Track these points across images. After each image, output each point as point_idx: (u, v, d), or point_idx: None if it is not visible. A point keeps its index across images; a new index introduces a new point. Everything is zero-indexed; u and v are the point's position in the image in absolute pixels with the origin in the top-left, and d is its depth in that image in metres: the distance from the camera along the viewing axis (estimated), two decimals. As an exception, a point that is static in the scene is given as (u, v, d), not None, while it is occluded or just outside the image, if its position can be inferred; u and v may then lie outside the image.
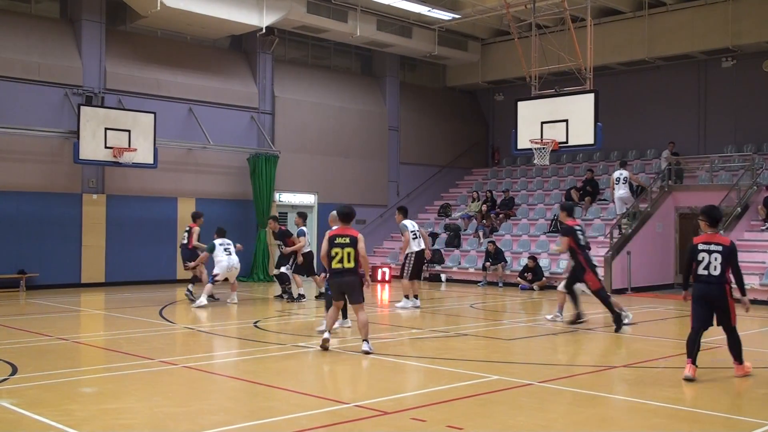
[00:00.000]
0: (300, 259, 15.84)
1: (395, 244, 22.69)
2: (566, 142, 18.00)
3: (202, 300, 14.94)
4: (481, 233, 23.32)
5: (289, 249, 16.00)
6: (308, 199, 23.67)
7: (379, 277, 22.05)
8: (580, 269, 12.60)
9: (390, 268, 22.36)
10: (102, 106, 19.21)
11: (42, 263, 18.52)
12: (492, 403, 7.24)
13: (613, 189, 21.24)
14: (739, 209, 19.45)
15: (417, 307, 15.18)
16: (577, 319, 12.88)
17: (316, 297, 16.52)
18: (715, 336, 11.36)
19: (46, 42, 19.20)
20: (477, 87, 28.75)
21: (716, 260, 8.30)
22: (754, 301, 16.83)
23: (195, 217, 16.88)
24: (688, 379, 8.32)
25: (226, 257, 15.42)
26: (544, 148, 18.10)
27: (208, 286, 15.32)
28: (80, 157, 18.31)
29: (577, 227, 12.79)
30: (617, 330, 12.21)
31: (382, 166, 25.88)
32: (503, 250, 21.53)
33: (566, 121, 17.89)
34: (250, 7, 20.74)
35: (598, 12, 23.22)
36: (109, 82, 19.84)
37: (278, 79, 23.37)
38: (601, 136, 17.60)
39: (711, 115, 24.03)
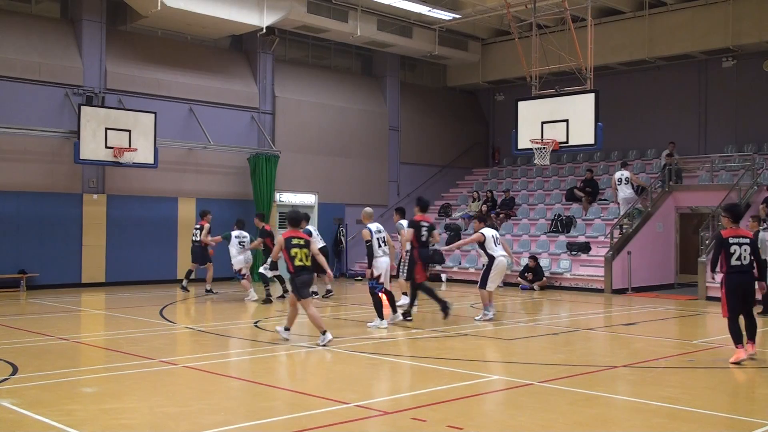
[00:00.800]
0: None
1: (395, 244, 22.64)
2: (567, 142, 17.99)
3: (252, 295, 16.31)
4: (481, 233, 23.28)
5: (253, 246, 16.55)
6: (309, 199, 23.66)
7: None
8: (412, 262, 13.11)
9: (390, 267, 22.30)
10: (102, 106, 19.21)
11: (42, 263, 18.52)
12: (492, 403, 7.24)
13: (616, 190, 21.24)
14: (739, 209, 19.42)
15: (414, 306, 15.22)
16: (407, 312, 13.22)
17: (323, 296, 16.56)
18: (715, 336, 11.37)
19: (46, 42, 19.20)
20: (477, 87, 28.74)
21: (746, 251, 9.36)
22: (757, 302, 16.82)
23: (203, 214, 17.87)
24: (739, 363, 9.24)
25: (241, 251, 16.46)
26: (544, 148, 18.10)
27: (244, 282, 16.44)
28: (81, 157, 18.31)
29: (425, 224, 13.19)
30: (445, 317, 12.79)
31: (382, 166, 25.88)
32: (503, 250, 21.50)
33: (567, 121, 17.88)
34: (251, 7, 20.74)
35: (599, 12, 23.22)
36: (109, 82, 19.84)
37: (279, 79, 23.37)
38: (601, 136, 17.60)
39: (711, 114, 24.02)
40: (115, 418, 6.60)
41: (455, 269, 22.54)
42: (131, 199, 20.08)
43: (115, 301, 16.35)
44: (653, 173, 22.82)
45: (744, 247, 9.36)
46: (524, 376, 8.39)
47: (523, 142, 18.64)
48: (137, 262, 20.01)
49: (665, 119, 24.61)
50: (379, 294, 12.39)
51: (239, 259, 16.46)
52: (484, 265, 13.69)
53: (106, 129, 18.55)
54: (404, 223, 15.44)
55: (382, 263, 12.52)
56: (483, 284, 13.44)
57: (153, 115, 19.38)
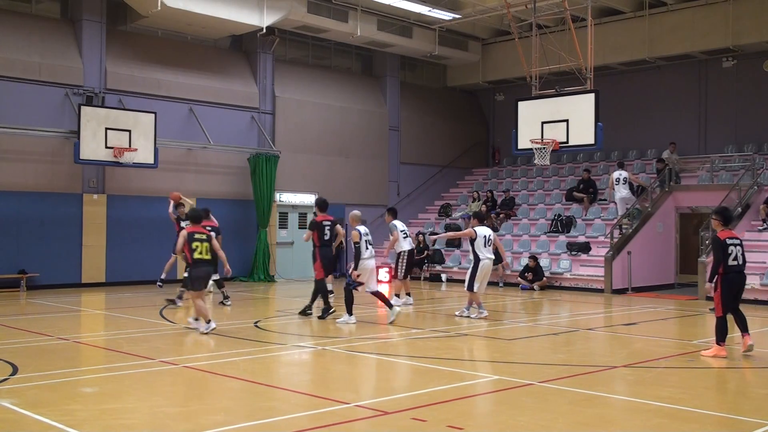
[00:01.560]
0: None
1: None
2: (567, 142, 17.99)
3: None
4: (481, 233, 23.28)
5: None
6: (309, 199, 23.64)
7: (379, 277, 22.04)
8: (314, 260, 13.50)
9: (390, 267, 22.33)
10: (102, 106, 19.21)
11: (42, 263, 18.52)
12: (492, 403, 7.24)
13: (613, 190, 21.24)
14: (739, 209, 19.44)
15: (410, 305, 15.32)
16: (316, 309, 13.61)
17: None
18: (714, 336, 11.35)
19: (46, 42, 19.20)
20: (477, 87, 28.74)
21: (740, 252, 9.85)
22: (755, 302, 16.86)
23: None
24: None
25: None
26: (544, 148, 18.10)
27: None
28: (81, 157, 18.31)
29: (327, 223, 13.47)
30: (320, 318, 13.17)
31: (382, 166, 25.88)
32: (504, 250, 21.52)
33: (567, 121, 17.88)
34: (251, 7, 20.74)
35: (599, 12, 23.22)
36: (109, 82, 19.85)
37: (279, 79, 23.37)
38: (601, 136, 17.60)
39: (711, 114, 24.02)
40: (116, 418, 6.60)
41: (455, 269, 22.54)
42: (131, 199, 20.08)
43: (115, 302, 16.35)
44: (653, 173, 22.82)
45: (738, 247, 9.82)
46: (524, 376, 8.39)
47: (523, 142, 18.64)
48: (137, 262, 20.00)
49: (665, 119, 24.60)
50: (354, 290, 12.82)
51: None
52: (470, 265, 13.79)
53: (106, 129, 18.56)
54: (397, 224, 15.63)
55: (368, 265, 12.77)
56: (470, 286, 13.59)
57: (153, 115, 19.38)
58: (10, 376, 8.23)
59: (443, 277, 22.57)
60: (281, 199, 22.95)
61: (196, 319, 11.72)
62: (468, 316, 13.64)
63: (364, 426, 6.43)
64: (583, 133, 17.66)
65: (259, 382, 8.14)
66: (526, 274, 20.19)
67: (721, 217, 10.05)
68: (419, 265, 23.09)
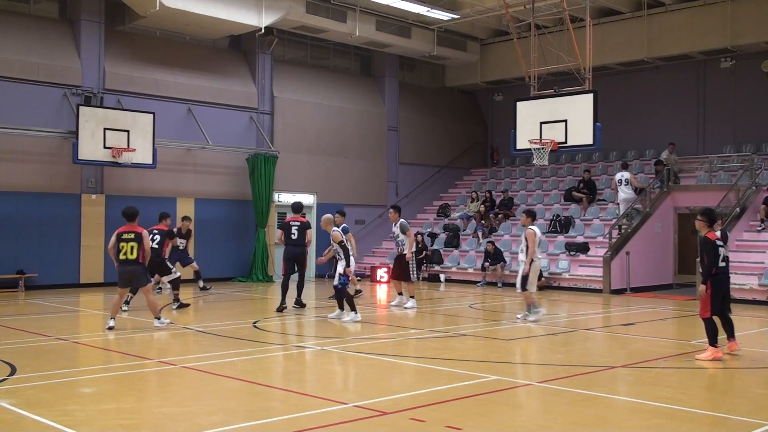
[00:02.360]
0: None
1: (393, 244, 22.63)
2: (565, 143, 18.00)
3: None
4: (480, 233, 23.33)
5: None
6: (307, 199, 23.64)
7: (378, 277, 22.06)
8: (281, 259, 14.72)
9: (389, 268, 22.34)
10: (101, 106, 19.20)
11: (41, 263, 18.51)
12: (491, 404, 7.24)
13: (616, 191, 21.26)
14: (737, 209, 19.47)
15: (415, 308, 15.23)
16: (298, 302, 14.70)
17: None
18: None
19: (45, 42, 19.19)
20: (476, 87, 28.75)
21: (725, 253, 9.83)
22: (753, 302, 16.86)
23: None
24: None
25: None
26: (543, 148, 18.10)
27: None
28: (79, 158, 18.30)
29: (294, 223, 14.46)
30: (277, 310, 14.17)
31: (381, 167, 25.88)
32: (502, 250, 21.54)
33: (565, 121, 17.88)
34: (249, 8, 20.73)
35: (598, 12, 23.23)
36: (108, 82, 19.84)
37: (277, 79, 23.37)
38: (600, 136, 17.61)
39: (710, 115, 24.04)
40: (114, 418, 6.60)
41: (453, 269, 22.54)
42: (130, 199, 20.00)
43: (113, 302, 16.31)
44: (651, 174, 22.84)
45: (723, 248, 9.83)
46: (523, 377, 8.39)
47: (522, 143, 18.65)
48: (136, 262, 19.97)
49: (664, 119, 24.62)
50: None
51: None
52: (522, 266, 13.16)
53: (105, 129, 18.55)
54: (404, 222, 15.37)
55: (353, 261, 13.57)
56: (524, 286, 13.09)
57: (151, 115, 19.37)
58: (8, 376, 8.22)
59: (442, 277, 22.57)
60: (280, 200, 22.94)
61: (158, 318, 11.90)
62: (535, 319, 13.15)
63: (362, 426, 6.43)
64: (582, 133, 17.66)
65: (258, 383, 8.13)
66: (524, 275, 20.17)
67: (707, 218, 9.94)
68: (418, 266, 23.07)
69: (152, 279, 14.32)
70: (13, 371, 8.45)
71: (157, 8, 18.73)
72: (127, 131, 18.87)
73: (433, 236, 24.29)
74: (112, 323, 11.62)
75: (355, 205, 24.30)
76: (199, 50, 22.30)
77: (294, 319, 13.77)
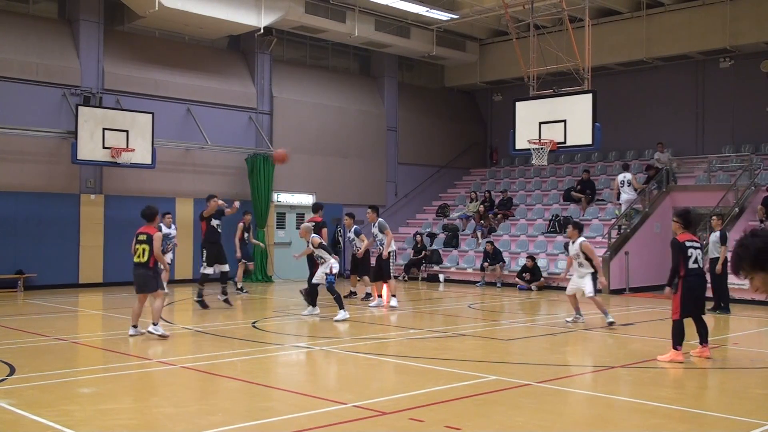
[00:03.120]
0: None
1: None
2: (564, 143, 18.00)
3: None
4: (479, 233, 23.33)
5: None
6: (306, 199, 23.65)
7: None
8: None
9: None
10: (100, 107, 19.19)
11: (40, 263, 18.50)
12: (490, 404, 7.24)
13: (618, 192, 21.26)
14: (737, 209, 19.47)
15: (382, 306, 15.10)
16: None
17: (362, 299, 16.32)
18: (712, 337, 11.38)
19: (44, 42, 19.18)
20: (475, 87, 28.75)
21: (699, 254, 9.57)
22: (752, 302, 16.87)
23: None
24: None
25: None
26: (542, 148, 18.10)
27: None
28: (78, 158, 18.29)
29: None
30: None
31: (380, 167, 25.88)
32: (501, 250, 21.54)
33: (564, 121, 17.89)
34: (248, 8, 20.73)
35: (597, 12, 23.24)
36: (107, 83, 19.83)
37: (276, 80, 23.36)
38: (599, 136, 17.61)
39: (709, 115, 24.05)
40: (113, 418, 6.59)
41: (452, 269, 22.54)
42: (129, 199, 20.05)
43: (112, 302, 16.34)
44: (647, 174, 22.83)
45: (697, 250, 9.53)
46: (522, 377, 8.39)
47: (521, 143, 18.65)
48: (135, 262, 19.96)
49: (663, 120, 24.63)
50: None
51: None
52: (588, 277, 12.84)
53: (104, 129, 18.55)
54: (382, 221, 15.43)
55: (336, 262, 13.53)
56: (594, 291, 12.87)
57: (150, 115, 19.36)
58: (7, 376, 8.21)
59: (441, 277, 22.57)
60: (279, 200, 22.94)
61: (155, 324, 11.22)
62: (613, 321, 12.82)
63: (362, 426, 6.43)
64: (581, 133, 17.67)
65: (257, 383, 8.13)
66: (523, 275, 20.20)
67: (683, 220, 9.79)
68: (417, 266, 23.10)
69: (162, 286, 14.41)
70: (12, 371, 8.45)
71: (156, 8, 18.72)
72: (126, 131, 18.86)
73: (432, 236, 24.29)
74: (132, 331, 11.08)
75: (355, 205, 24.24)
76: (198, 50, 22.30)
77: (293, 319, 13.77)
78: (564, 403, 7.35)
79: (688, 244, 9.52)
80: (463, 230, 24.21)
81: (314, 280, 13.49)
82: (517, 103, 19.07)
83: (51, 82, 18.99)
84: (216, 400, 7.44)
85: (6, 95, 18.25)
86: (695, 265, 9.46)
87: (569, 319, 13.25)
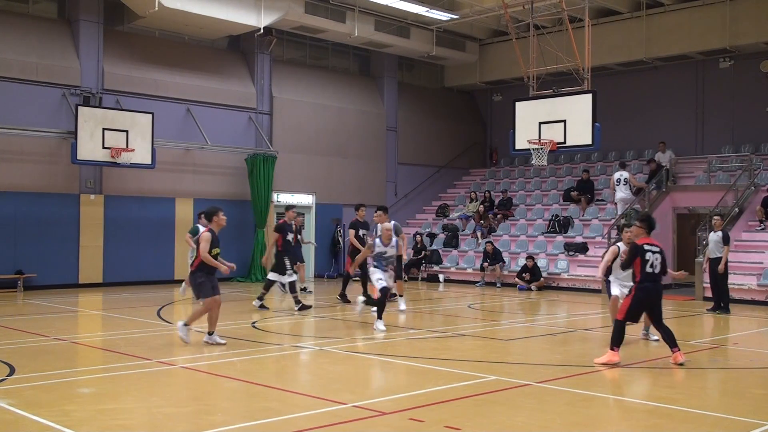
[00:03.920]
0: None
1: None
2: (564, 143, 18.00)
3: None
4: (479, 234, 23.34)
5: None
6: (306, 199, 23.67)
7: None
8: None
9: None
10: (100, 107, 19.19)
11: (40, 264, 18.50)
12: (490, 404, 7.24)
13: (614, 190, 21.26)
14: (736, 210, 19.47)
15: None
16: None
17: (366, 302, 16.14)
18: (712, 337, 11.40)
19: (43, 42, 19.18)
20: (475, 87, 28.75)
21: (657, 260, 9.30)
22: (752, 302, 16.86)
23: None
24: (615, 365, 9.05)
25: None
26: (542, 148, 18.10)
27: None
28: (78, 158, 18.29)
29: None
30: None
31: (380, 167, 25.88)
32: (501, 250, 21.55)
33: (564, 121, 17.88)
34: (248, 8, 20.73)
35: (596, 12, 23.24)
36: (107, 83, 19.83)
37: (276, 80, 23.37)
38: (599, 136, 17.61)
39: (709, 115, 24.05)
40: (113, 418, 6.59)
41: (452, 269, 22.54)
42: (128, 199, 20.07)
43: (112, 302, 16.34)
44: (647, 174, 22.84)
45: (656, 255, 9.30)
46: (522, 377, 8.39)
47: (521, 143, 18.65)
48: (134, 262, 20.00)
49: (662, 120, 24.63)
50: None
51: None
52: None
53: (104, 129, 18.54)
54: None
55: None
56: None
57: (150, 115, 19.36)
58: (7, 376, 8.22)
59: (440, 277, 22.57)
60: (279, 200, 22.94)
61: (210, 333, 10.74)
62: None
63: (361, 426, 6.43)
64: (581, 133, 17.66)
65: (257, 383, 8.13)
66: (523, 275, 20.21)
67: (646, 225, 9.60)
68: (417, 266, 23.10)
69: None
70: (12, 371, 8.45)
71: (156, 8, 18.73)
72: (126, 131, 18.86)
73: (432, 236, 24.29)
74: (206, 338, 10.41)
75: (354, 205, 24.27)
76: (198, 50, 22.30)
77: (293, 319, 13.76)
78: (563, 403, 7.35)
79: (647, 247, 9.32)
80: (463, 230, 24.21)
81: (386, 283, 12.26)
82: (517, 103, 19.07)
83: (51, 82, 18.99)
84: (216, 400, 7.45)
85: (6, 95, 18.26)
86: (650, 270, 9.23)
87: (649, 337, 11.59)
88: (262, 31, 21.35)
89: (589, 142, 17.77)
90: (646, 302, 9.32)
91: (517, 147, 18.94)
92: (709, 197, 20.13)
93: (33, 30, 19.15)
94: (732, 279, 16.21)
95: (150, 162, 19.34)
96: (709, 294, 16.41)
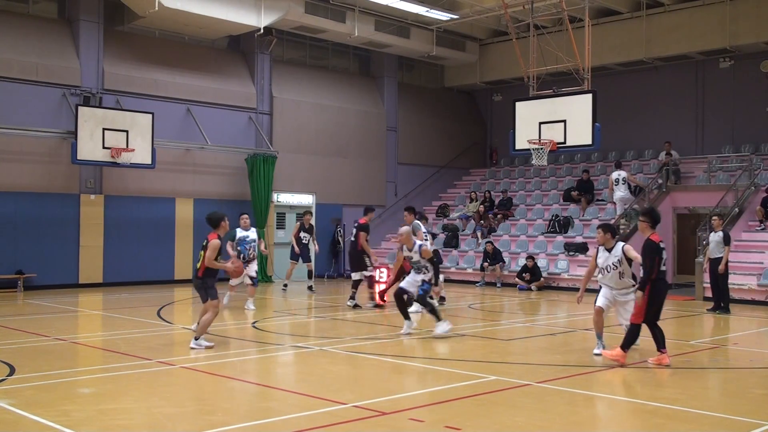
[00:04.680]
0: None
1: (393, 244, 22.66)
2: (564, 143, 18.00)
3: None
4: (479, 234, 23.33)
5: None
6: (306, 199, 23.67)
7: (377, 278, 22.01)
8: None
9: (388, 268, 22.31)
10: (100, 107, 19.19)
11: (40, 264, 18.49)
12: (490, 404, 7.24)
13: (612, 190, 21.26)
14: (736, 210, 19.47)
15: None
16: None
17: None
18: (712, 337, 11.40)
19: (44, 42, 19.18)
20: (475, 87, 28.75)
21: (665, 258, 9.13)
22: (752, 302, 16.86)
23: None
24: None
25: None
26: (542, 148, 18.11)
27: (252, 288, 14.90)
28: (78, 158, 18.29)
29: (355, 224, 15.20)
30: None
31: (380, 167, 25.88)
32: (501, 250, 21.54)
33: (564, 121, 17.89)
34: (248, 8, 20.73)
35: (596, 12, 23.24)
36: (107, 83, 19.83)
37: (276, 80, 23.36)
38: (599, 136, 17.61)
39: (709, 115, 24.05)
40: (113, 418, 6.59)
41: (452, 269, 22.53)
42: (129, 199, 20.07)
43: (112, 302, 16.33)
44: (650, 173, 22.85)
45: (664, 251, 9.09)
46: (522, 377, 8.39)
47: (521, 143, 18.65)
48: (135, 262, 20.00)
49: (662, 120, 24.63)
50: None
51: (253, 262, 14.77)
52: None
53: (104, 129, 18.54)
54: (421, 224, 14.75)
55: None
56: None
57: (150, 115, 19.36)
58: (7, 376, 8.22)
59: (441, 277, 22.52)
60: (279, 200, 22.94)
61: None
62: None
63: (361, 426, 6.43)
64: (581, 133, 17.67)
65: (257, 383, 8.13)
66: (523, 275, 20.20)
67: (650, 219, 9.24)
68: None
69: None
70: (12, 371, 8.45)
71: (156, 8, 18.72)
72: (126, 131, 18.85)
73: (432, 236, 24.24)
74: (194, 344, 10.18)
75: (354, 206, 24.28)
76: (198, 50, 22.30)
77: (293, 319, 13.76)
78: (564, 403, 7.35)
79: (661, 245, 9.05)
80: (463, 230, 24.21)
81: (405, 285, 11.68)
82: (517, 103, 19.07)
83: (51, 82, 18.99)
84: (216, 400, 7.44)
85: (6, 95, 18.25)
86: (664, 268, 9.06)
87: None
88: (262, 31, 21.34)
89: (589, 142, 17.77)
90: (659, 301, 9.11)
91: (517, 147, 18.95)
92: (709, 197, 20.13)
93: (33, 30, 19.15)
94: (732, 279, 16.21)
95: (150, 162, 19.34)
96: (709, 294, 16.41)
